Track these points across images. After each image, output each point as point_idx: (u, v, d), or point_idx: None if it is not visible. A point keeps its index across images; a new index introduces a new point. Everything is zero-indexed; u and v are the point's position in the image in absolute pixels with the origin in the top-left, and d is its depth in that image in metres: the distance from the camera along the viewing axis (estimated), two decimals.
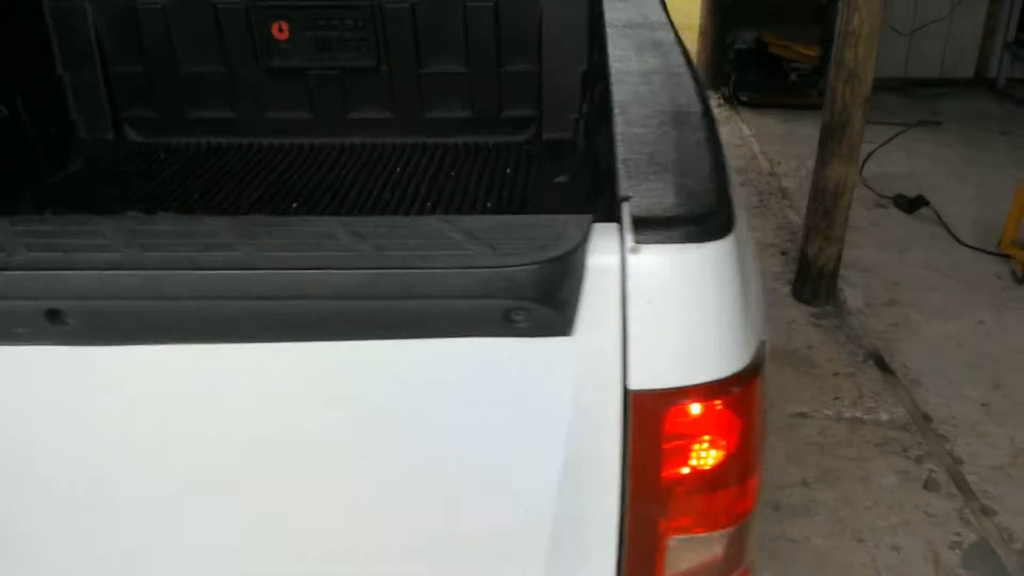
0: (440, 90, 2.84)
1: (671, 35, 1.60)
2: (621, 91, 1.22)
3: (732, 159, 5.13)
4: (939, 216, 4.16)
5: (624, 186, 0.93)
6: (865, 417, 2.89)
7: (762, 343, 0.97)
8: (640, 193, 0.91)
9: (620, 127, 1.10)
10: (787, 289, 3.68)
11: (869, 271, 3.80)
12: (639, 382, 0.89)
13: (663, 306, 0.87)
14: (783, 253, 3.99)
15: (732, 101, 6.22)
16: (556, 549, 0.97)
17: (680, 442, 0.92)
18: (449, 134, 2.83)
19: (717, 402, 0.91)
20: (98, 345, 0.87)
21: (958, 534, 2.40)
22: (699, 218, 0.87)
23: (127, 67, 2.98)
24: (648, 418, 0.90)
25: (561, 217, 0.88)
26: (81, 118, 2.97)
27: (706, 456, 0.93)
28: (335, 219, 0.88)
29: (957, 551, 2.34)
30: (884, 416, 2.88)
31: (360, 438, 0.92)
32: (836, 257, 3.48)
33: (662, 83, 1.28)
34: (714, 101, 6.61)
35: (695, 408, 0.90)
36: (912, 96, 5.97)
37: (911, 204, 4.28)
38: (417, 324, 0.84)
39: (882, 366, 3.13)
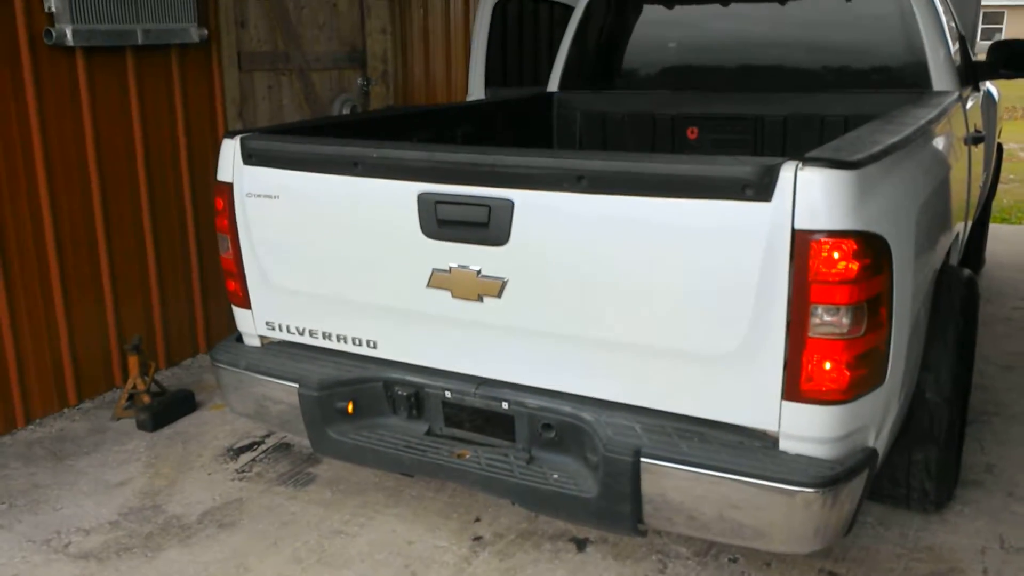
0: None
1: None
2: None
3: None
4: None
5: (815, 150, 2.19)
6: None
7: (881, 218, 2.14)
8: (819, 152, 2.17)
9: (843, 137, 2.38)
10: None
11: None
12: (800, 225, 2.09)
13: (812, 192, 2.08)
14: None
15: None
16: (757, 310, 2.18)
17: (817, 258, 2.09)
18: None
19: (836, 240, 2.08)
20: (596, 194, 2.31)
21: None
22: (831, 161, 2.09)
23: (594, 150, 4.72)
24: (803, 243, 2.09)
25: (780, 158, 2.15)
26: None
27: (830, 267, 2.09)
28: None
29: None
30: None
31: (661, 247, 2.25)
32: None
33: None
34: None
35: (825, 239, 2.08)
36: None
37: None
38: (709, 188, 2.17)
39: None
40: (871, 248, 2.15)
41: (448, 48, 6.33)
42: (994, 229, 7.28)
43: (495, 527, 3.08)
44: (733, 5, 4.45)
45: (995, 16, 39.50)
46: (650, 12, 4.75)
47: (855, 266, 2.11)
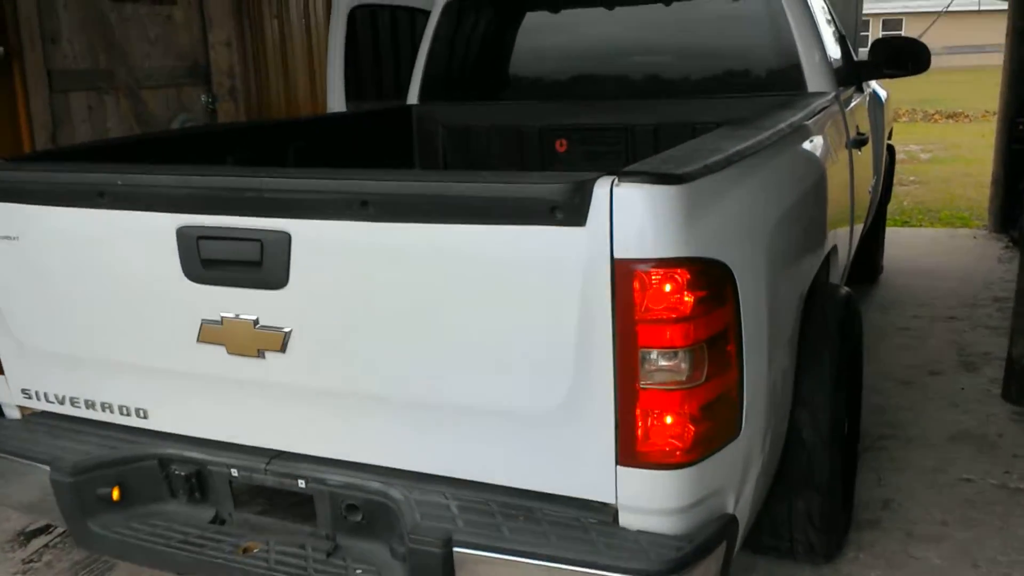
0: None
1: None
2: None
3: (1000, 290, 5.22)
4: None
5: (638, 163, 1.79)
6: None
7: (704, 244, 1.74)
8: (641, 165, 1.76)
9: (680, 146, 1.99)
10: (999, 390, 3.89)
11: None
12: (620, 253, 1.68)
13: (632, 213, 1.68)
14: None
15: (1020, 242, 6.28)
16: (579, 358, 1.77)
17: (640, 290, 1.69)
18: None
19: (664, 269, 1.68)
20: (386, 222, 1.87)
21: None
22: (654, 175, 1.69)
23: (459, 166, 4.31)
24: (625, 274, 1.69)
25: (594, 173, 1.74)
26: None
27: (659, 302, 1.69)
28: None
29: None
30: None
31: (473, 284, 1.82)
32: None
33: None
34: (1002, 243, 6.67)
35: (647, 269, 1.68)
36: None
37: None
38: (514, 212, 1.75)
39: None
40: (709, 277, 1.76)
41: (310, 60, 5.84)
42: (893, 233, 7.13)
43: None
44: (599, 10, 4.10)
45: (895, 24, 40.89)
46: (512, 17, 4.37)
47: (690, 299, 1.72)
